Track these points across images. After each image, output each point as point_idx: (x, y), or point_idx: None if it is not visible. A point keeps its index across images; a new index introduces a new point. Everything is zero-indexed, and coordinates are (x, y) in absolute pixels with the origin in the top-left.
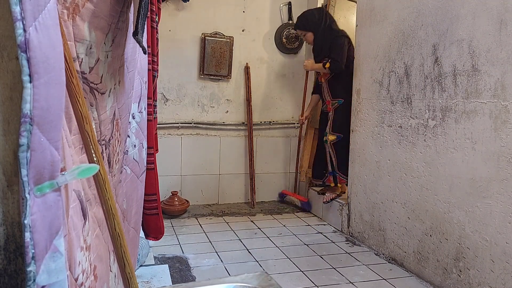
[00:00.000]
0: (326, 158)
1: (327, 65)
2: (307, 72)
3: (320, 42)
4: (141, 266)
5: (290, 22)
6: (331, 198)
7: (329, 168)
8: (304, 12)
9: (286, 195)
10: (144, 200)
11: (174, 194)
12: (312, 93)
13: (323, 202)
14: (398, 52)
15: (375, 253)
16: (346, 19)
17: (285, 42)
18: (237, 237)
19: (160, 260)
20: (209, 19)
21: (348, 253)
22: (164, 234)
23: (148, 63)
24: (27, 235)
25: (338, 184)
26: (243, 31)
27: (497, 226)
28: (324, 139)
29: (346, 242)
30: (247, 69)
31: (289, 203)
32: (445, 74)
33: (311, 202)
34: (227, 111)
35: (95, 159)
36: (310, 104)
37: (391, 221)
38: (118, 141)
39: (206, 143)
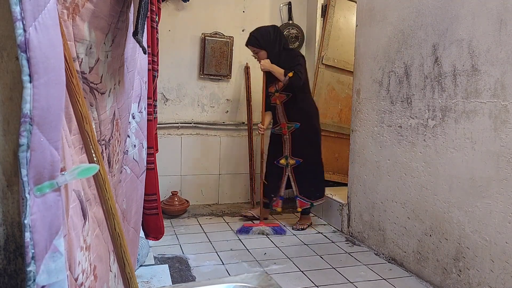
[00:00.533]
0: (281, 182)
1: (291, 74)
2: (265, 73)
3: (275, 61)
4: (141, 266)
5: (290, 22)
6: (304, 227)
7: (281, 193)
8: (258, 29)
9: (250, 228)
10: (144, 200)
11: (174, 194)
12: (265, 111)
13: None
14: (398, 52)
15: (375, 253)
16: (346, 19)
17: None
18: (237, 237)
19: (160, 260)
20: (209, 19)
21: (348, 253)
22: (164, 234)
23: (148, 63)
24: (27, 235)
25: (302, 212)
26: (243, 31)
27: (496, 226)
28: (285, 163)
29: (346, 242)
30: (247, 69)
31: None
32: (445, 74)
33: (283, 226)
34: (227, 111)
35: (95, 159)
36: (266, 118)
37: (390, 221)
38: (118, 141)
39: (206, 143)
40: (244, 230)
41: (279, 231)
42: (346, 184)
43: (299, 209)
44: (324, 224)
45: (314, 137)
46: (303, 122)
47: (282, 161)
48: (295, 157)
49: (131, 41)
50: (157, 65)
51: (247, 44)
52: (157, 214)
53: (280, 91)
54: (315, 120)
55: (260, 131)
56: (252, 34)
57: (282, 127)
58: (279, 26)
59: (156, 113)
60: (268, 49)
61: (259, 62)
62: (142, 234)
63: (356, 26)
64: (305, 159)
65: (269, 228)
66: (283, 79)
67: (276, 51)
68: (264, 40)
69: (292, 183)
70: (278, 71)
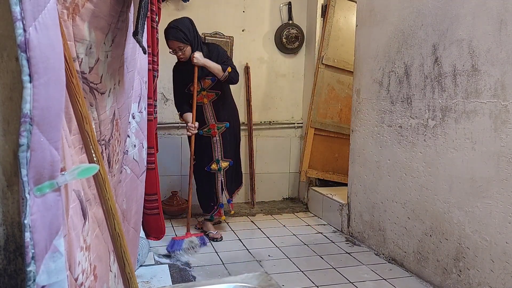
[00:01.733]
0: (216, 189)
1: (229, 69)
2: (196, 68)
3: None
4: (141, 266)
5: (290, 22)
6: (221, 236)
7: (220, 200)
8: (178, 21)
9: (182, 241)
10: (145, 200)
11: (174, 194)
12: (185, 111)
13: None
14: (398, 52)
15: (375, 253)
16: (346, 19)
17: (285, 42)
18: (237, 237)
19: (160, 260)
20: (209, 19)
21: (348, 253)
22: (165, 234)
23: (148, 63)
24: (27, 235)
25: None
26: (243, 31)
27: (497, 226)
28: (217, 167)
29: (346, 242)
30: (247, 69)
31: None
32: (445, 74)
33: (204, 236)
34: None
35: (95, 159)
36: (189, 117)
37: (391, 221)
38: (118, 141)
39: None
40: (176, 244)
41: (204, 240)
42: (346, 184)
43: (232, 212)
44: (324, 224)
45: (239, 136)
46: (232, 121)
47: (213, 166)
48: (227, 158)
49: (131, 41)
50: (157, 65)
51: (169, 39)
52: (158, 214)
53: (208, 89)
54: (238, 117)
55: (191, 130)
56: (176, 27)
57: (211, 128)
58: (279, 26)
59: (156, 113)
60: (192, 43)
61: (180, 58)
62: (142, 234)
63: (356, 26)
64: (235, 159)
65: (197, 239)
66: (221, 75)
67: (198, 42)
68: (190, 33)
69: (224, 187)
70: (214, 66)
